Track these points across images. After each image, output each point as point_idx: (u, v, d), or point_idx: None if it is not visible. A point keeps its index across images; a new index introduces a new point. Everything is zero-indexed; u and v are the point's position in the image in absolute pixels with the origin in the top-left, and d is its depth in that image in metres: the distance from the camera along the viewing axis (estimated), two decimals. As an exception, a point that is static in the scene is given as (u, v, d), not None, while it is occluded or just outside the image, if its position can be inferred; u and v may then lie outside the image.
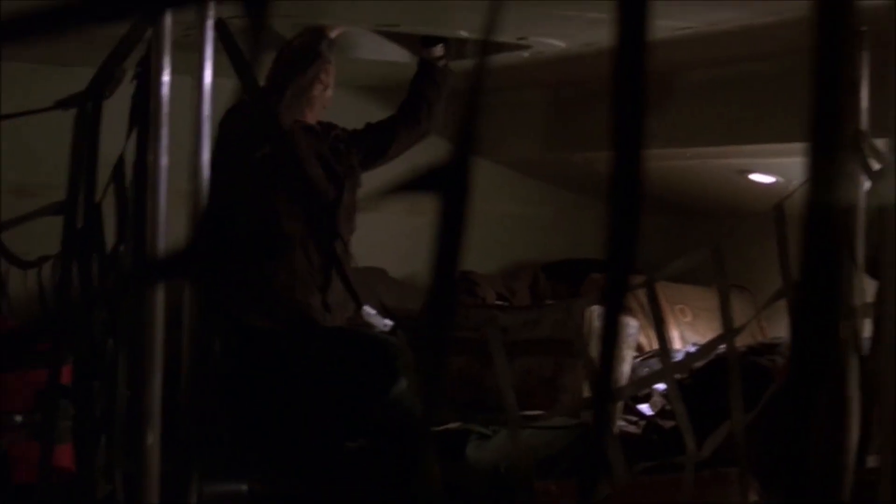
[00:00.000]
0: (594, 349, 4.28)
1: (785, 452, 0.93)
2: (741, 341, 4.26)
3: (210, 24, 2.30)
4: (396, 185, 0.91)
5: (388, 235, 5.60)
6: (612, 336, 0.85)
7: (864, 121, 3.04)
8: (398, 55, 4.50)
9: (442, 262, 0.84)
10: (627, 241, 0.85)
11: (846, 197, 0.94)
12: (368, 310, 3.93)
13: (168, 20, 2.34)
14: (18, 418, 3.25)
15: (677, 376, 4.23)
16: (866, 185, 2.88)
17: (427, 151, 4.50)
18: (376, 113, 4.80)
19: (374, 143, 4.45)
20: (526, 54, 4.41)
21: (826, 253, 0.95)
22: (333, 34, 4.15)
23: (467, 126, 0.86)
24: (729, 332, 2.76)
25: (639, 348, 4.82)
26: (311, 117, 4.32)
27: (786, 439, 0.93)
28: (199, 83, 2.33)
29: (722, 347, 2.94)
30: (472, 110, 0.85)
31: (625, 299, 0.89)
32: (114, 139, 2.51)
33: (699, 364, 4.26)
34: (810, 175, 0.95)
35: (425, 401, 0.98)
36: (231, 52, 2.41)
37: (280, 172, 4.00)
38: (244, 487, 3.60)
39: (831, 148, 0.95)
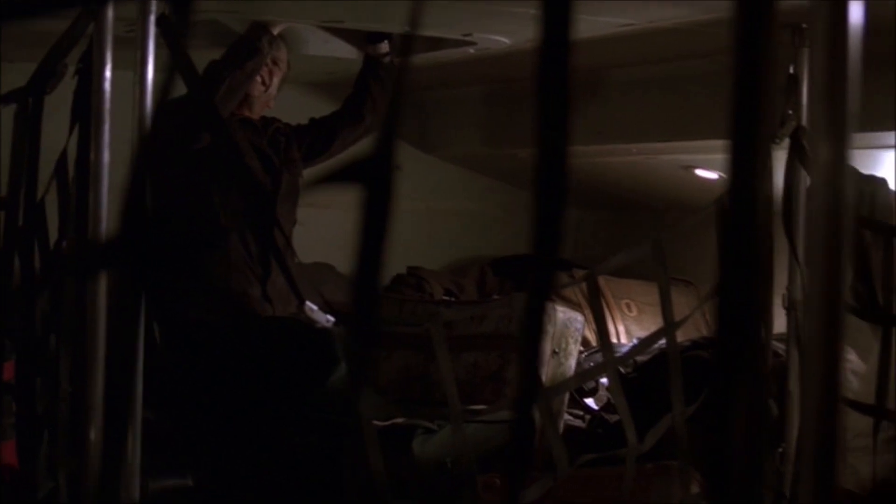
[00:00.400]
0: (546, 344, 4.31)
1: (709, 445, 0.96)
2: (686, 335, 4.30)
3: (152, 19, 2.31)
4: (320, 178, 0.92)
5: (336, 231, 5.60)
6: (534, 329, 0.87)
7: (805, 117, 3.08)
8: (344, 51, 4.51)
9: (366, 255, 0.86)
10: (552, 234, 0.87)
11: (765, 192, 0.96)
12: (311, 305, 3.94)
13: (110, 15, 2.34)
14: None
15: (621, 370, 4.27)
16: (807, 181, 2.92)
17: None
18: (323, 109, 4.80)
19: (317, 138, 4.46)
20: (472, 50, 4.43)
21: (746, 247, 0.98)
22: (276, 30, 4.15)
23: (390, 118, 0.87)
24: (669, 325, 2.79)
25: (585, 343, 4.85)
26: (250, 113, 4.32)
27: (709, 432, 0.96)
28: (140, 79, 2.33)
29: (664, 341, 2.96)
30: (395, 103, 0.87)
31: (549, 293, 0.91)
32: (57, 134, 2.51)
33: (643, 358, 4.30)
34: (730, 172, 0.97)
35: (354, 391, 1.00)
36: (172, 47, 2.41)
37: (215, 164, 4.00)
38: (189, 482, 3.60)
39: (750, 144, 0.98)
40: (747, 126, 0.95)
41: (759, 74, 0.97)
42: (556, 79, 0.88)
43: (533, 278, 0.87)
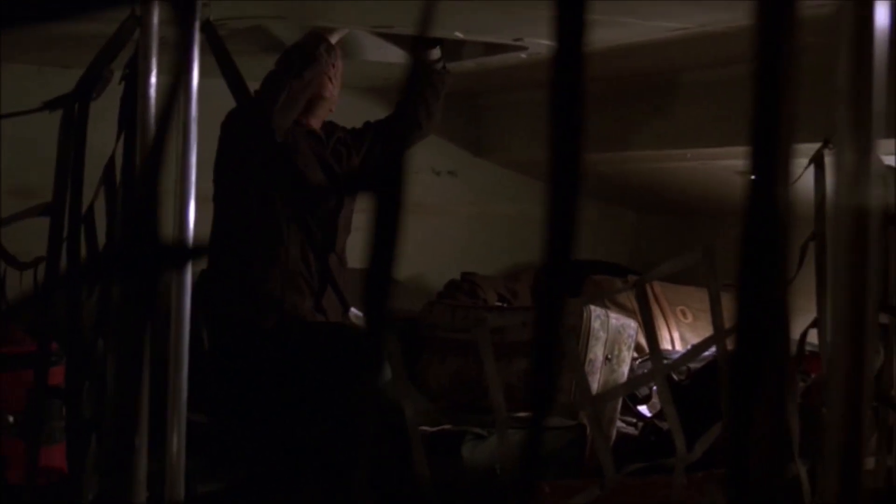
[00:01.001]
0: (593, 350, 4.30)
1: (728, 447, 0.95)
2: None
3: (197, 24, 2.32)
4: (333, 185, 0.92)
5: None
6: (550, 333, 0.86)
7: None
8: (399, 56, 4.52)
9: (378, 260, 0.86)
10: (565, 238, 0.87)
11: (789, 196, 0.95)
12: (355, 311, 3.95)
13: (155, 20, 2.36)
14: (11, 418, 3.28)
15: (674, 377, 4.25)
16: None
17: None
18: (378, 114, 4.81)
19: (374, 145, 4.47)
20: (523, 55, 4.43)
21: (768, 251, 0.97)
22: (334, 39, 4.16)
23: (402, 119, 0.87)
24: (719, 332, 2.77)
25: (639, 349, 4.83)
26: (314, 122, 4.33)
27: (728, 435, 0.95)
28: (186, 85, 2.35)
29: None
30: (405, 109, 0.87)
31: (563, 296, 0.91)
32: (103, 141, 2.53)
33: (697, 365, 4.28)
34: (752, 175, 0.96)
35: (395, 396, 1.01)
36: (219, 54, 2.43)
37: (278, 177, 4.02)
38: (235, 484, 3.63)
39: (773, 149, 0.97)
40: (767, 129, 0.94)
41: (780, 76, 0.96)
42: (570, 82, 0.88)
43: (546, 281, 0.87)
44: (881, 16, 1.07)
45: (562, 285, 0.87)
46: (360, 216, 4.40)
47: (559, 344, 0.91)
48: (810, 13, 0.97)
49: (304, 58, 4.10)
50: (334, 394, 3.80)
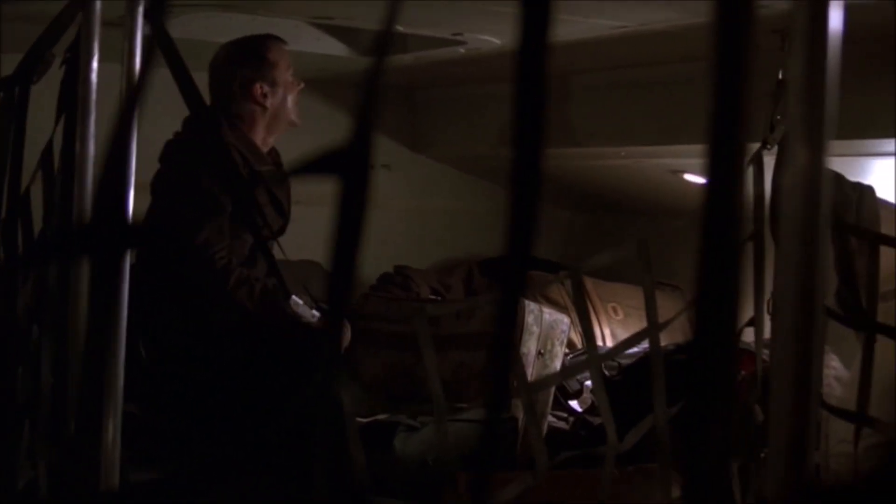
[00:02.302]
0: (526, 344, 4.31)
1: (684, 448, 0.96)
2: (671, 338, 4.31)
3: (140, 11, 2.30)
4: (293, 169, 0.92)
5: (322, 228, 5.57)
6: (506, 327, 0.87)
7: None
8: (335, 49, 4.51)
9: (341, 249, 0.86)
10: (525, 233, 0.87)
11: (743, 197, 0.96)
12: (296, 299, 3.92)
13: (98, 5, 2.33)
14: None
15: (607, 373, 4.27)
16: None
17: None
18: (315, 107, 4.80)
19: None
20: (462, 50, 4.44)
21: (723, 251, 0.98)
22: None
23: (366, 109, 0.87)
24: (652, 325, 2.78)
25: (570, 345, 4.86)
26: (268, 136, 4.19)
27: (685, 432, 0.96)
28: (127, 72, 2.33)
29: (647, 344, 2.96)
30: (371, 94, 0.87)
31: (521, 292, 0.91)
32: (43, 125, 2.50)
33: (628, 361, 4.31)
34: (708, 176, 0.97)
35: (333, 385, 1.00)
36: (161, 41, 2.40)
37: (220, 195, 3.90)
38: (170, 475, 3.59)
39: (729, 148, 0.98)
40: (726, 130, 0.95)
41: (738, 77, 0.97)
42: (532, 78, 0.88)
43: (505, 275, 0.87)
44: (835, 16, 1.08)
45: (522, 281, 0.87)
46: (294, 207, 4.37)
47: (513, 338, 0.92)
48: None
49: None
50: (283, 389, 3.78)
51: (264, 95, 4.08)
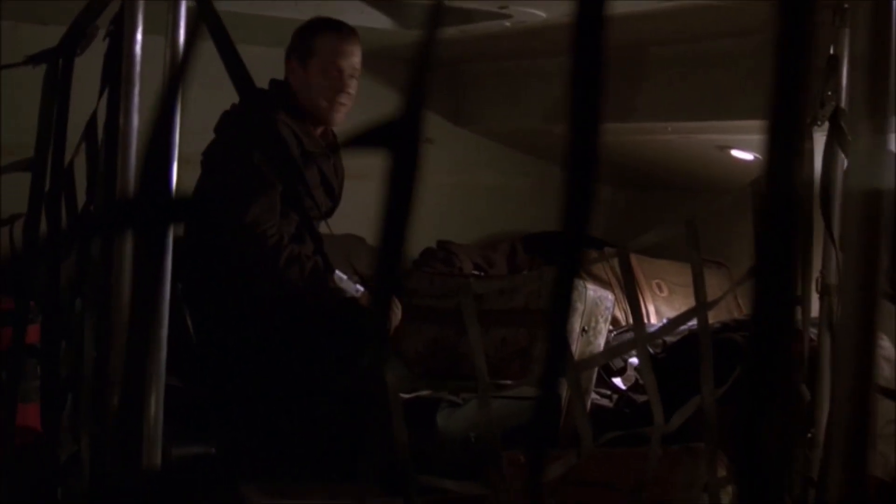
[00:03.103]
0: (569, 321, 4.28)
1: (738, 428, 0.94)
2: (716, 317, 4.27)
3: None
4: (343, 142, 0.90)
5: (370, 202, 5.55)
6: (562, 304, 0.85)
7: (844, 98, 3.04)
8: (378, 21, 4.48)
9: (389, 224, 0.84)
10: (581, 210, 0.85)
11: (803, 175, 0.94)
12: (340, 274, 3.91)
13: (142, -22, 2.32)
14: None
15: (650, 350, 4.25)
16: (845, 163, 2.88)
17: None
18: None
19: None
20: (507, 24, 4.40)
21: (782, 231, 0.95)
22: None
23: (417, 83, 0.85)
24: (701, 305, 2.76)
25: (615, 322, 4.83)
26: (326, 121, 4.14)
27: (739, 415, 0.94)
28: (171, 44, 2.31)
29: (694, 322, 2.94)
30: (422, 68, 0.85)
31: (577, 268, 0.89)
32: (87, 98, 2.49)
33: (673, 339, 4.28)
34: (768, 153, 0.95)
35: (378, 360, 0.99)
36: (207, 17, 2.39)
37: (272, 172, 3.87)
38: (212, 450, 3.61)
39: (790, 126, 0.95)
40: (786, 107, 0.93)
41: (799, 54, 0.95)
42: (590, 54, 0.86)
43: (561, 253, 0.85)
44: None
45: (578, 260, 0.85)
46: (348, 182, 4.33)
47: (569, 315, 0.90)
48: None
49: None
50: (329, 366, 3.77)
51: (292, 71, 4.05)
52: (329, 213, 4.14)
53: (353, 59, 4.05)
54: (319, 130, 4.10)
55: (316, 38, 4.04)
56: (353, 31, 4.06)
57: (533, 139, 6.02)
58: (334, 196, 4.14)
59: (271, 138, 3.34)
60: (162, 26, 2.28)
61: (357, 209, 5.27)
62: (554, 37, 4.24)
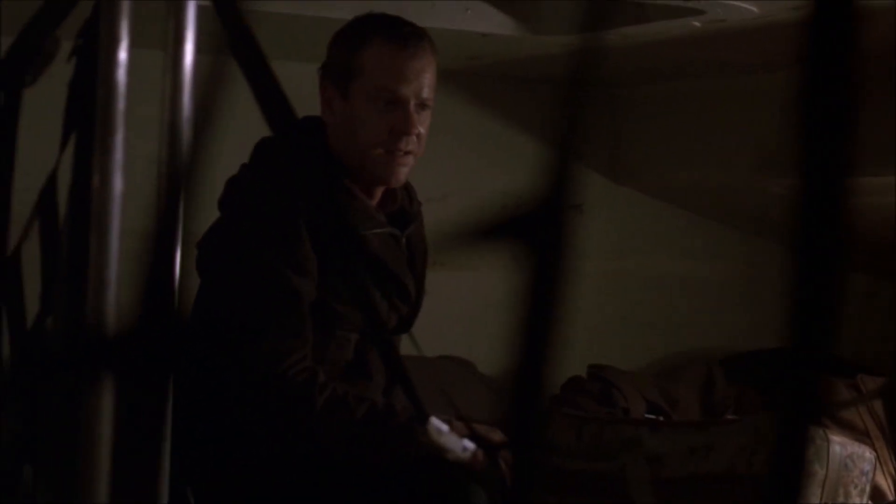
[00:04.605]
0: (803, 493, 4.27)
1: None
2: None
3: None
4: (470, 233, 0.91)
5: (475, 300, 5.57)
6: (793, 470, 0.85)
7: None
8: (495, 25, 4.54)
9: (527, 346, 0.85)
10: (821, 313, 0.86)
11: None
12: (438, 425, 3.88)
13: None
14: None
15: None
16: None
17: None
18: (459, 106, 4.83)
19: None
20: (696, 23, 4.42)
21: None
22: None
23: (566, 140, 0.86)
24: None
25: (877, 493, 4.80)
26: (387, 181, 4.09)
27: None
28: (174, 64, 2.34)
29: None
30: (574, 116, 0.86)
31: (816, 411, 0.90)
32: (42, 147, 2.53)
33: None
34: None
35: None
36: (233, 28, 2.43)
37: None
38: None
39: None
40: None
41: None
42: (834, 67, 0.87)
43: (787, 386, 0.87)
44: None
45: (815, 395, 0.86)
46: (432, 273, 4.37)
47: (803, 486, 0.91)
48: None
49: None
50: None
51: (328, 102, 3.94)
52: (405, 327, 4.10)
53: (423, 78, 3.95)
54: (378, 195, 4.02)
55: (363, 50, 3.94)
56: (420, 34, 3.93)
57: (734, 201, 6.02)
58: (409, 298, 4.08)
59: (315, 218, 3.33)
60: (158, 36, 2.31)
61: (457, 310, 5.28)
62: (769, 42, 4.25)
